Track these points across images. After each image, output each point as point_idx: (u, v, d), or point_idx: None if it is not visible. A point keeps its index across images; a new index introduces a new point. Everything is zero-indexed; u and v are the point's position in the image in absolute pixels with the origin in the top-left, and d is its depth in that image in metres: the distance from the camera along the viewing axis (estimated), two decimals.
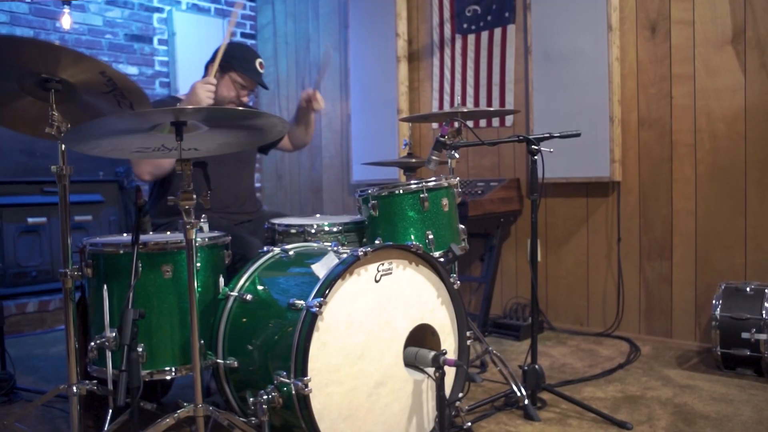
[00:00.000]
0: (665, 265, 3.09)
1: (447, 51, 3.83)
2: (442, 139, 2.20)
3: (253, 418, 1.79)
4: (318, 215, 2.70)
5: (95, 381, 1.87)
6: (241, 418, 1.80)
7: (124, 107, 1.82)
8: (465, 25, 3.75)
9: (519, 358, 2.85)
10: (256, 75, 2.66)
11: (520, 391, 2.22)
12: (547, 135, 2.20)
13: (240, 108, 1.73)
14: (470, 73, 3.73)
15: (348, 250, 1.79)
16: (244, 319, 1.87)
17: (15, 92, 1.79)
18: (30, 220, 3.80)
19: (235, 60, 2.62)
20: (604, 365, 2.74)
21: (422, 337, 1.93)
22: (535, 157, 2.18)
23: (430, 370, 1.83)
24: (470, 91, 3.72)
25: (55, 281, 3.90)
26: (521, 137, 2.19)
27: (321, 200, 4.69)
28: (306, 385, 1.57)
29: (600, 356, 2.90)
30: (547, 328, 3.43)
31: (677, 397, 2.33)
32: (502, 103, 3.60)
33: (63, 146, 1.78)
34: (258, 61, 2.67)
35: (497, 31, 3.61)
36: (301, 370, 1.59)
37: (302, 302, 1.66)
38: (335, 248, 1.87)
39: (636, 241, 3.18)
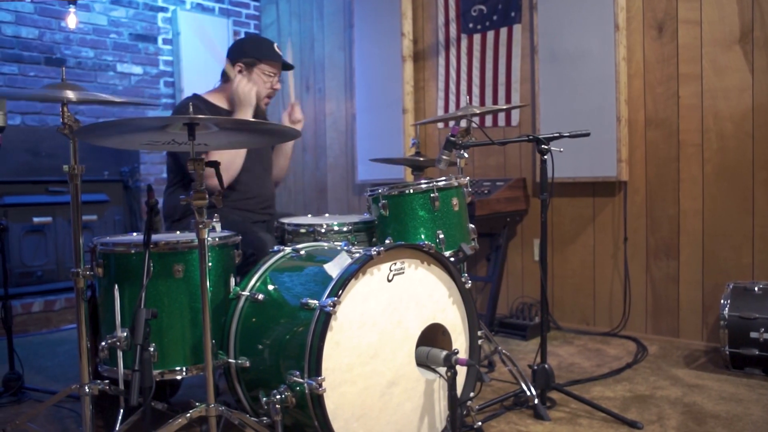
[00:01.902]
0: (672, 264, 3.09)
1: (452, 51, 3.83)
2: (452, 138, 2.20)
3: (265, 418, 1.79)
4: (327, 215, 2.70)
5: (107, 381, 1.87)
6: (252, 418, 1.80)
7: None
8: (470, 25, 3.75)
9: (526, 358, 2.85)
10: (280, 59, 2.70)
11: (530, 390, 2.22)
12: (557, 135, 2.20)
13: (253, 120, 1.75)
14: (476, 72, 3.73)
15: (361, 250, 1.79)
16: (256, 319, 1.87)
17: None
18: (35, 219, 3.80)
19: (257, 52, 2.66)
20: (612, 365, 2.74)
21: (433, 336, 1.93)
22: (545, 157, 2.18)
23: (442, 370, 1.83)
24: (476, 90, 3.72)
25: (61, 281, 3.90)
26: (531, 137, 2.19)
27: (325, 200, 4.69)
28: (320, 385, 1.57)
29: (607, 356, 2.90)
30: (554, 327, 3.43)
31: (686, 396, 2.33)
32: (508, 102, 3.60)
33: (74, 145, 1.77)
34: (275, 45, 2.72)
35: (503, 31, 3.61)
36: (315, 369, 1.59)
37: (315, 302, 1.66)
38: (347, 248, 1.87)
39: (643, 240, 3.18)
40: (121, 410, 1.93)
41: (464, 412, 1.97)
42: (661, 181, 3.11)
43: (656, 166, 3.12)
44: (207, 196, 1.69)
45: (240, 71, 2.63)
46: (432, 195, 2.10)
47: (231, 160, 2.47)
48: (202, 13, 4.80)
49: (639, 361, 2.79)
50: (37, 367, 2.96)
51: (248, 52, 2.64)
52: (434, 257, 1.89)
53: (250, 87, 2.55)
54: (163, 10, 4.63)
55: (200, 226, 1.69)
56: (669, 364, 2.72)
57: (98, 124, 1.57)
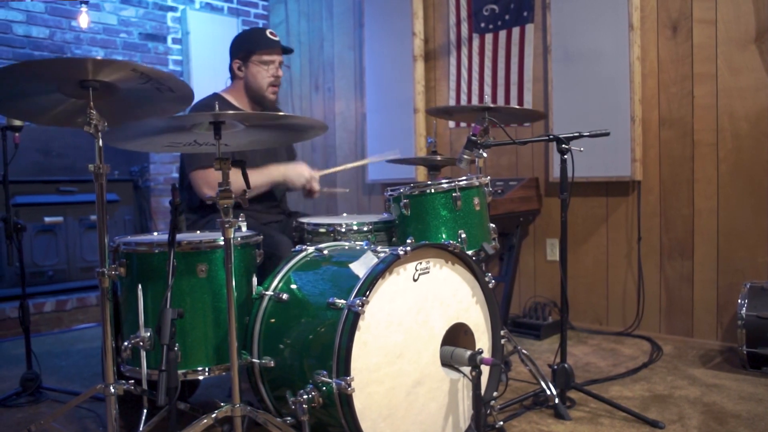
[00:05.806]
0: (686, 264, 3.09)
1: (464, 50, 3.83)
2: (473, 138, 2.20)
3: (289, 418, 1.79)
4: (345, 214, 2.70)
5: (132, 381, 1.86)
6: (276, 418, 1.80)
7: (164, 92, 1.79)
8: (482, 24, 3.74)
9: (541, 357, 2.85)
10: (275, 44, 2.62)
11: (550, 390, 2.22)
12: (577, 134, 2.20)
13: (281, 113, 1.74)
14: (488, 72, 3.73)
15: (387, 249, 1.79)
16: (281, 319, 1.86)
17: (60, 99, 1.78)
18: (46, 219, 3.80)
19: (249, 44, 2.60)
20: (628, 364, 2.74)
21: (455, 336, 1.93)
22: (565, 156, 2.18)
23: (466, 370, 1.83)
24: (488, 90, 3.71)
25: (72, 280, 3.90)
26: (552, 136, 2.19)
27: (335, 200, 4.68)
28: (349, 385, 1.57)
29: (622, 355, 2.90)
30: (567, 327, 3.42)
31: (705, 396, 2.33)
32: (521, 102, 3.59)
33: (100, 144, 1.76)
34: (268, 31, 2.65)
35: (515, 31, 3.61)
36: (344, 369, 1.58)
37: (343, 301, 1.66)
38: (372, 247, 1.87)
39: (656, 240, 3.18)
40: (145, 410, 1.93)
41: (487, 412, 1.97)
42: (675, 181, 3.11)
43: (670, 166, 3.12)
44: (233, 195, 1.69)
45: (239, 68, 2.60)
46: (454, 194, 2.10)
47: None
48: (211, 13, 4.79)
49: (655, 360, 2.79)
50: (51, 366, 2.95)
51: (241, 46, 2.59)
52: (459, 257, 1.89)
53: (302, 177, 2.60)
54: (173, 9, 4.62)
55: (226, 225, 1.69)
56: (685, 364, 2.72)
57: (124, 126, 1.57)
